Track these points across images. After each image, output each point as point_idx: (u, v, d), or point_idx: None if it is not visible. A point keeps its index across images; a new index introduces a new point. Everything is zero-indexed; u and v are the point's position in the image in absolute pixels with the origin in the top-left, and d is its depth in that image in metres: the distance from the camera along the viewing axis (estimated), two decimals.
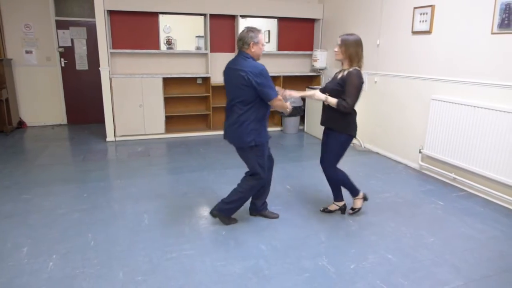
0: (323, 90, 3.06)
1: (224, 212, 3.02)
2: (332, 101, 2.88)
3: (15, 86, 6.56)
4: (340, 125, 2.99)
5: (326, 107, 3.05)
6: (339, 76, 2.95)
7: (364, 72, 2.94)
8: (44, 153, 5.11)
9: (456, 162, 3.92)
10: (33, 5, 6.40)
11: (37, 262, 2.49)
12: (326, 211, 3.32)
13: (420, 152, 4.41)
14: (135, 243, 2.74)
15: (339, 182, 3.23)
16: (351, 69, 2.87)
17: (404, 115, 4.71)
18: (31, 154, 5.14)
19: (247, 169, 3.00)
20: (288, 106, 2.89)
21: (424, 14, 4.29)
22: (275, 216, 3.20)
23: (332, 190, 3.29)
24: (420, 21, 4.35)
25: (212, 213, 3.04)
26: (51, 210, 3.30)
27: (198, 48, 7.07)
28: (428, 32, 4.24)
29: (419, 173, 4.41)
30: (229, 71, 2.84)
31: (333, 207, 3.31)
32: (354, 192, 3.24)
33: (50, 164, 4.66)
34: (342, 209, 3.30)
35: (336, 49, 2.93)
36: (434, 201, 3.60)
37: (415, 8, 4.40)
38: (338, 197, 3.29)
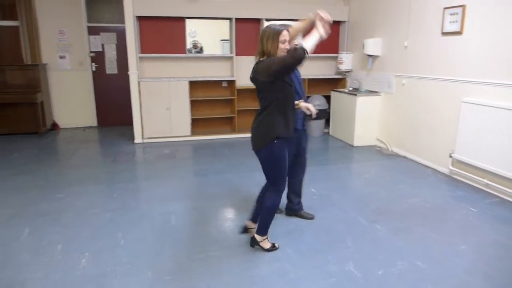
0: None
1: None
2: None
3: (49, 89, 6.84)
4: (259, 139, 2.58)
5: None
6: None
7: None
8: (76, 154, 5.30)
9: (489, 167, 3.78)
10: (67, 12, 6.67)
11: (71, 259, 2.58)
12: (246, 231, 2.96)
13: (450, 156, 4.29)
14: (163, 243, 2.80)
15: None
16: None
17: (433, 118, 4.59)
18: (64, 155, 5.35)
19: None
20: None
21: (454, 14, 4.18)
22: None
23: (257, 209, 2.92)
24: (450, 22, 4.24)
25: None
26: (83, 209, 3.42)
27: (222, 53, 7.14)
28: (459, 32, 4.13)
29: (449, 178, 4.28)
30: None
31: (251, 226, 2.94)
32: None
33: (82, 165, 4.83)
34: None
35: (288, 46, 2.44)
36: (466, 207, 3.49)
37: (445, 8, 4.29)
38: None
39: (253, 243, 2.72)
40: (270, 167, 2.54)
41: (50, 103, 6.88)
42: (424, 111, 4.75)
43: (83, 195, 3.75)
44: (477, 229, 3.08)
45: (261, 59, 2.43)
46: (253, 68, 2.46)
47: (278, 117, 2.44)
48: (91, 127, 7.26)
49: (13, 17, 6.52)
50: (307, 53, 2.25)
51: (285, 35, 2.37)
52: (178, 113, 5.99)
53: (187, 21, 6.08)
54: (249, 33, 6.27)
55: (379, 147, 5.67)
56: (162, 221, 3.19)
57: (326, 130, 6.60)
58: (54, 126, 6.95)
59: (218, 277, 2.39)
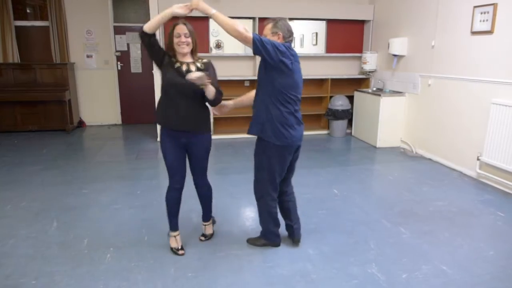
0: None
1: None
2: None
3: (77, 88, 7.04)
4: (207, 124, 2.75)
5: (184, 105, 2.49)
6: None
7: None
8: (101, 151, 5.43)
9: None
10: (94, 13, 6.84)
11: (96, 253, 2.65)
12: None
13: (478, 159, 4.16)
14: (185, 240, 2.83)
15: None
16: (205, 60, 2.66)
17: (460, 120, 4.46)
18: (90, 152, 5.49)
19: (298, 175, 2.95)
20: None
21: (485, 13, 4.05)
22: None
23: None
24: (480, 21, 4.11)
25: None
26: (108, 205, 3.50)
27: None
28: (490, 32, 4.00)
29: (476, 182, 4.15)
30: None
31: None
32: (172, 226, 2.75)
33: (107, 161, 4.94)
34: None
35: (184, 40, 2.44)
36: (494, 212, 3.38)
37: (475, 7, 4.17)
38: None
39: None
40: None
41: (77, 101, 7.07)
42: (451, 112, 4.62)
43: (108, 191, 3.84)
44: (506, 234, 2.97)
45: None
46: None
47: (159, 105, 2.55)
48: (115, 124, 7.42)
49: (43, 17, 6.76)
50: (145, 32, 2.36)
51: (178, 29, 2.44)
52: None
53: (210, 20, 6.13)
54: None
55: (403, 148, 5.56)
56: (184, 218, 3.21)
57: (348, 131, 6.51)
58: (81, 123, 7.15)
59: (240, 275, 2.40)
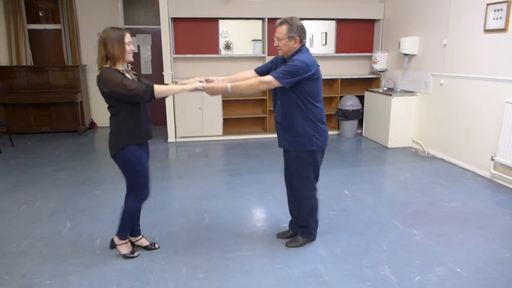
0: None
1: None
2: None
3: (88, 90, 7.12)
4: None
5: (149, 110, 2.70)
6: None
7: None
8: None
9: None
10: (105, 15, 6.90)
11: (109, 254, 2.67)
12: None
13: (492, 159, 4.09)
14: (197, 241, 2.84)
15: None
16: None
17: (474, 119, 4.40)
18: (101, 153, 5.54)
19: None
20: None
21: (498, 10, 3.98)
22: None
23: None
24: (494, 18, 4.05)
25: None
26: (119, 206, 3.46)
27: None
28: (504, 30, 3.93)
29: (490, 182, 4.09)
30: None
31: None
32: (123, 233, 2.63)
33: None
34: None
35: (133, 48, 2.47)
36: (508, 213, 3.32)
37: (488, 4, 4.10)
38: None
39: (112, 245, 2.63)
40: (126, 173, 2.61)
41: (89, 102, 7.16)
42: (464, 111, 4.56)
43: (119, 192, 3.82)
44: None
45: (105, 66, 2.32)
46: (97, 76, 2.33)
47: (128, 123, 2.46)
48: None
49: (55, 21, 6.86)
50: (154, 97, 2.36)
51: (128, 37, 2.35)
52: (210, 112, 6.06)
53: (219, 21, 6.14)
54: None
55: (415, 148, 5.50)
56: (196, 219, 3.24)
57: (359, 131, 6.47)
58: (92, 124, 7.23)
59: (251, 276, 2.40)
